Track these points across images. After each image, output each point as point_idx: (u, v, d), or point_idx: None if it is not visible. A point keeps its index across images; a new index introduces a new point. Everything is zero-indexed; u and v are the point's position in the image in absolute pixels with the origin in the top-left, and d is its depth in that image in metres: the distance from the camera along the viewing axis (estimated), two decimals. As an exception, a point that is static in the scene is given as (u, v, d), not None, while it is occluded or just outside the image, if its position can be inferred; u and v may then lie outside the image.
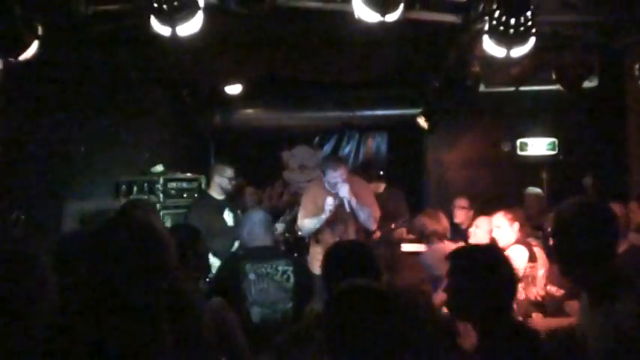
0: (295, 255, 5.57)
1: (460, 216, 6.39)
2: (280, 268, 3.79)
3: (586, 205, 2.36)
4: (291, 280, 3.79)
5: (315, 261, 5.25)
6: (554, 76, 5.74)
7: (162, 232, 1.91)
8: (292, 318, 3.72)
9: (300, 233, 5.72)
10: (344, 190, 5.17)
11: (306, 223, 5.51)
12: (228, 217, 5.76)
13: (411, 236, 7.14)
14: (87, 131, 6.07)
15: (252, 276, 3.74)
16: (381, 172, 7.00)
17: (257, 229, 3.98)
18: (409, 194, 6.34)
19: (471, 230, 5.34)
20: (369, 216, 5.56)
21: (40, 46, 3.99)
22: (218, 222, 5.66)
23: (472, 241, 5.25)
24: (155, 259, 1.82)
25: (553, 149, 7.81)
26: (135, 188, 6.58)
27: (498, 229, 4.78)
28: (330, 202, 5.22)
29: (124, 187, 6.59)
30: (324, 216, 5.27)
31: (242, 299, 3.70)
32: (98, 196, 6.36)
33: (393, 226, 6.21)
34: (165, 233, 1.93)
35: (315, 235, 5.50)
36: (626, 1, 4.93)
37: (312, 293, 3.89)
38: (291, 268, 3.81)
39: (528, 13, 3.77)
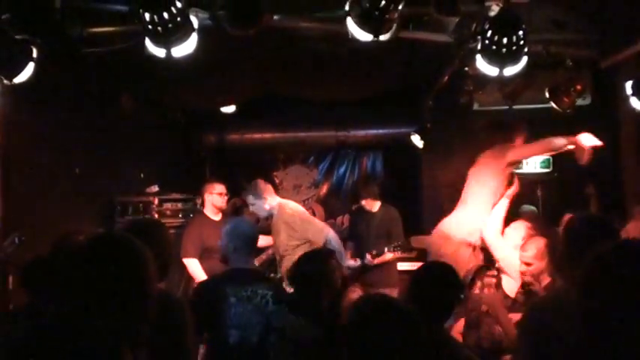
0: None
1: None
2: (260, 292, 3.76)
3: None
4: (270, 304, 3.75)
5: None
6: (547, 94, 5.77)
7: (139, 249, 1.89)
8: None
9: None
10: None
11: None
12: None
13: (408, 254, 7.16)
14: (81, 152, 6.06)
15: (232, 299, 3.73)
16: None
17: (241, 247, 3.99)
18: (404, 213, 6.33)
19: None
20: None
21: (36, 69, 4.01)
22: (215, 242, 5.65)
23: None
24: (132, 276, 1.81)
25: (547, 167, 7.84)
26: (130, 209, 6.58)
27: None
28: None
29: (119, 207, 6.59)
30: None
31: (221, 322, 3.69)
32: (94, 216, 6.36)
33: (385, 249, 6.21)
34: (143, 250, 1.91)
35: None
36: (617, 19, 4.98)
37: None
38: (270, 293, 3.78)
39: (520, 32, 3.80)
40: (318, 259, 3.83)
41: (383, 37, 3.70)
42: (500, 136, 6.01)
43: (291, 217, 5.80)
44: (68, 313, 1.71)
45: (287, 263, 5.43)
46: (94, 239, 1.96)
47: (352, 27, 3.72)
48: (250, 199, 5.90)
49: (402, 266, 6.97)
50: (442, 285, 3.05)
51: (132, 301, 1.78)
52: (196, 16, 3.81)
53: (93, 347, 1.26)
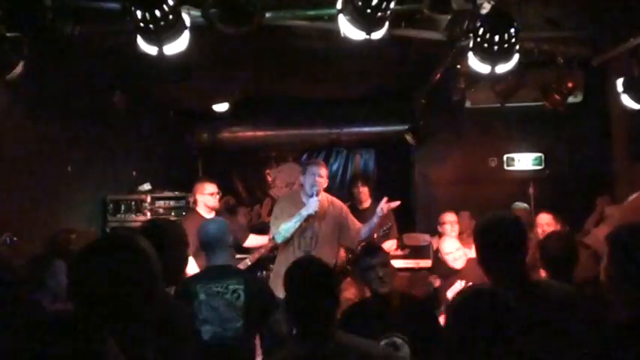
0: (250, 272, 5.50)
1: (452, 230, 6.40)
2: (231, 287, 3.78)
3: None
4: (242, 298, 3.77)
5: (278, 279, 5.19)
6: (539, 92, 5.80)
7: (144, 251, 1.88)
8: (242, 336, 3.75)
9: (276, 241, 5.64)
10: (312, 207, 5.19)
11: (282, 227, 5.39)
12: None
13: (400, 252, 7.17)
14: (74, 150, 6.05)
15: (202, 296, 3.76)
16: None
17: (209, 246, 4.01)
18: (397, 210, 6.33)
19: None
20: (358, 232, 5.58)
21: (26, 66, 4.00)
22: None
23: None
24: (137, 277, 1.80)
25: (539, 164, 7.88)
26: (122, 207, 6.57)
27: None
28: (313, 202, 5.19)
29: (111, 205, 6.58)
30: (304, 212, 5.21)
31: (193, 319, 3.71)
32: (86, 214, 6.35)
33: (375, 236, 6.18)
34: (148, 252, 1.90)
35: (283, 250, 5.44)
36: (609, 17, 5.00)
37: (266, 312, 3.87)
38: (242, 287, 3.79)
39: (512, 30, 3.81)
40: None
41: (375, 36, 3.71)
42: None
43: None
44: (67, 312, 1.71)
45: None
46: (99, 238, 1.95)
47: (344, 25, 3.72)
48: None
49: (396, 264, 6.98)
50: None
51: (133, 301, 1.77)
52: (188, 14, 3.81)
53: (88, 346, 1.25)
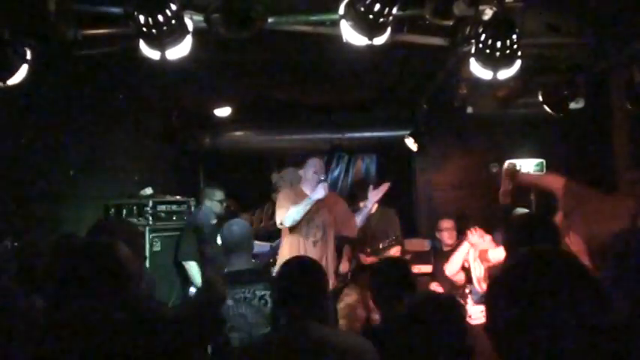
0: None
1: (450, 237, 6.41)
2: (258, 293, 3.73)
3: None
4: (269, 304, 3.72)
5: None
6: (540, 98, 5.79)
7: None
8: None
9: (285, 225, 5.66)
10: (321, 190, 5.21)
11: (292, 210, 5.39)
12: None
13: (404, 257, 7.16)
14: (75, 154, 6.05)
15: (229, 302, 3.71)
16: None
17: (235, 248, 3.99)
18: (399, 215, 6.34)
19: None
20: (355, 225, 5.63)
21: (29, 71, 4.01)
22: (209, 247, 5.66)
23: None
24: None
25: (541, 170, 7.88)
26: (124, 211, 6.56)
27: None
28: (322, 185, 5.22)
29: (112, 210, 6.57)
30: (314, 196, 5.25)
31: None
32: (87, 219, 6.34)
33: (380, 245, 6.18)
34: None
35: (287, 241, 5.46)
36: (610, 23, 5.00)
37: None
38: (268, 292, 3.74)
39: (514, 36, 3.82)
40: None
41: (377, 41, 3.71)
42: None
43: None
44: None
45: None
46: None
47: (346, 31, 3.72)
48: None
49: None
50: None
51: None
52: (191, 19, 3.82)
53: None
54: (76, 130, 6.04)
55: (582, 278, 1.43)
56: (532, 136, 7.86)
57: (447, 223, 6.53)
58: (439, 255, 6.52)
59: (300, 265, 2.91)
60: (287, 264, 2.95)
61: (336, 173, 9.14)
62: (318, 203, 5.38)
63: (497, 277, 1.54)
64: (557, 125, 6.94)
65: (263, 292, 3.75)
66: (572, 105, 6.00)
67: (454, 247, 6.10)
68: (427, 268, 6.96)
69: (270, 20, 4.12)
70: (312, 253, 5.22)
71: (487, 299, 1.54)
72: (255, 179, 9.07)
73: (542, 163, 7.90)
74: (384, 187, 5.90)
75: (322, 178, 5.37)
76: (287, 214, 5.35)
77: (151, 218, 6.51)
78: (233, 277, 3.90)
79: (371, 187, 5.91)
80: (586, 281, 1.42)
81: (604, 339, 1.35)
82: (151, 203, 6.60)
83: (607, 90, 6.36)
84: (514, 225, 3.47)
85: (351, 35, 3.72)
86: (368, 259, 6.22)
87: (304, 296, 2.64)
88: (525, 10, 4.25)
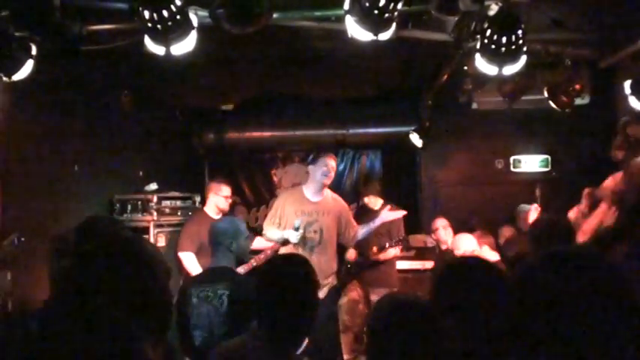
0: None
1: (447, 234, 6.39)
2: (219, 292, 3.70)
3: None
4: (225, 304, 3.68)
5: None
6: (545, 94, 5.78)
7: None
8: None
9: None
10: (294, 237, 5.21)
11: (269, 233, 5.47)
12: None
13: (406, 253, 7.17)
14: (80, 149, 6.07)
15: (194, 300, 3.70)
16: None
17: (209, 245, 4.01)
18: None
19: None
20: (355, 234, 5.63)
21: (35, 66, 4.02)
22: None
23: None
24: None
25: (546, 166, 7.87)
26: (129, 206, 6.58)
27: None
28: (297, 224, 5.21)
29: (117, 205, 6.59)
30: (286, 235, 5.28)
31: (186, 323, 3.67)
32: (92, 214, 6.35)
33: (387, 244, 6.20)
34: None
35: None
36: (616, 19, 4.99)
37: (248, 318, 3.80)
38: (227, 292, 3.70)
39: (519, 32, 3.81)
40: None
41: (382, 37, 3.70)
42: None
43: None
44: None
45: None
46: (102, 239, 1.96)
47: (351, 26, 3.72)
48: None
49: (401, 265, 6.99)
50: None
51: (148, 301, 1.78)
52: (196, 14, 3.82)
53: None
54: (80, 125, 6.05)
55: None
56: (537, 132, 7.84)
57: (440, 222, 6.52)
58: (441, 253, 6.51)
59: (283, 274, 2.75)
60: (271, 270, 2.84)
61: (340, 169, 9.12)
62: (319, 208, 5.40)
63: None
64: (562, 121, 6.91)
65: (223, 292, 3.72)
66: (578, 101, 5.98)
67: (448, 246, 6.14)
68: (430, 264, 6.96)
69: (275, 15, 4.12)
70: (310, 257, 5.24)
71: None
72: (260, 175, 9.09)
73: (547, 159, 7.88)
74: (399, 214, 5.93)
75: (324, 183, 5.38)
76: (267, 231, 5.51)
77: (155, 213, 6.53)
78: (200, 276, 3.91)
79: (388, 207, 5.90)
80: None
81: None
82: (155, 199, 6.62)
83: (612, 86, 6.34)
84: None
85: (356, 31, 3.71)
86: (376, 256, 6.25)
87: (280, 307, 2.57)
88: (530, 6, 4.24)
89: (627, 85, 4.99)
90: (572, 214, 4.83)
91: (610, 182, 4.44)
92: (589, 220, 4.35)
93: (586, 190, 4.78)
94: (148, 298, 1.76)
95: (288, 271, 2.66)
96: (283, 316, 2.53)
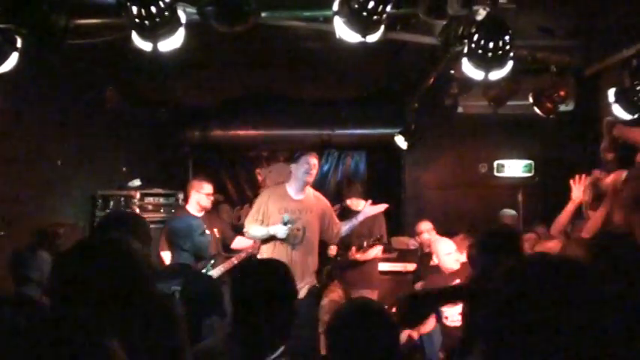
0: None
1: (430, 238, 6.40)
2: (172, 288, 3.69)
3: None
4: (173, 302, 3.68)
5: None
6: (530, 99, 5.82)
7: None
8: None
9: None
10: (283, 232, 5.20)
11: (253, 230, 5.47)
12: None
13: (388, 255, 7.18)
14: (64, 144, 6.02)
15: None
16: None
17: (169, 243, 3.98)
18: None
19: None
20: (338, 231, 5.63)
21: (20, 59, 3.98)
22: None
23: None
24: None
25: (529, 171, 7.91)
26: (111, 202, 6.54)
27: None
28: (287, 218, 5.21)
29: (100, 201, 6.55)
30: (272, 231, 5.25)
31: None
32: (75, 209, 6.32)
33: (365, 243, 6.19)
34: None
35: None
36: (602, 28, 5.03)
37: (202, 316, 3.74)
38: (178, 289, 3.70)
39: (506, 37, 3.82)
40: None
41: (370, 39, 3.71)
42: None
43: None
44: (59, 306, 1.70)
45: None
46: (89, 237, 1.95)
47: (340, 27, 3.72)
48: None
49: (383, 267, 7.00)
50: None
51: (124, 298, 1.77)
52: (184, 11, 3.80)
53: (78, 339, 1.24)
54: (65, 119, 6.01)
55: None
56: (521, 137, 7.89)
57: (424, 225, 6.53)
58: (423, 256, 6.52)
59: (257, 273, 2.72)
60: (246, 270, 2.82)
61: (325, 169, 9.12)
62: (301, 206, 5.40)
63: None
64: (546, 127, 6.96)
65: (175, 288, 3.71)
66: (563, 107, 6.02)
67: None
68: (412, 267, 6.98)
69: (263, 15, 4.11)
70: (292, 255, 5.27)
71: None
72: (245, 174, 9.07)
73: (530, 164, 7.93)
74: (381, 207, 5.92)
75: (306, 180, 5.37)
76: (249, 229, 5.46)
77: (138, 210, 6.50)
78: (162, 272, 3.92)
79: (369, 202, 5.90)
80: None
81: None
82: (138, 195, 6.58)
83: (597, 94, 6.39)
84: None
85: (345, 32, 3.71)
86: (356, 255, 6.24)
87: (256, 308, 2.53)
88: (518, 12, 4.26)
89: (611, 93, 5.02)
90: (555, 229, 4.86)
91: (613, 178, 4.46)
92: (592, 219, 4.38)
93: (589, 179, 4.79)
94: (120, 294, 1.75)
95: (265, 275, 2.63)
96: (259, 320, 2.49)
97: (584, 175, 4.92)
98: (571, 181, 4.93)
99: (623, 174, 4.23)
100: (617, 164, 4.67)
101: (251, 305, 2.50)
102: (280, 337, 2.52)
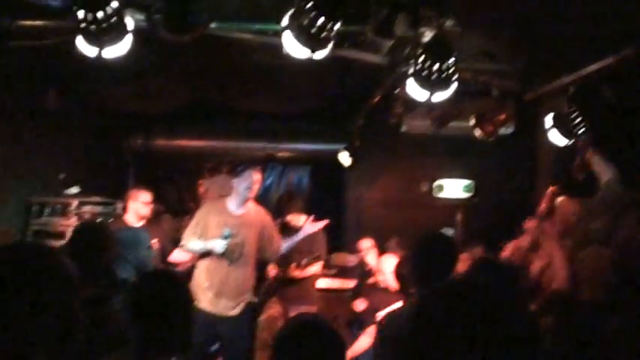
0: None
1: (372, 258, 6.43)
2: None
3: None
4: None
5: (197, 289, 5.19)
6: (472, 122, 5.94)
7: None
8: None
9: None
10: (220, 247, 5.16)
11: (190, 244, 5.41)
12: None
13: (328, 272, 7.19)
14: None
15: None
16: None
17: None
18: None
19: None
20: (278, 248, 5.61)
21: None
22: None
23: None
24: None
25: (469, 191, 8.05)
26: (46, 210, 6.37)
27: None
28: (227, 233, 5.17)
29: (35, 207, 6.37)
30: (210, 245, 5.20)
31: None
32: (8, 216, 6.13)
33: (304, 261, 6.18)
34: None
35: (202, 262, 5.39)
36: (542, 55, 5.18)
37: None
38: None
39: (451, 60, 3.91)
40: None
41: (318, 55, 3.74)
42: None
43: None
44: None
45: None
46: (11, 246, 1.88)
47: (289, 42, 3.74)
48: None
49: (321, 283, 6.99)
50: None
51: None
52: (132, 18, 3.76)
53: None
54: (0, 122, 5.84)
55: None
56: (462, 158, 8.03)
57: (365, 243, 6.57)
58: (364, 273, 6.54)
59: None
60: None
61: (268, 182, 9.11)
62: (241, 221, 5.36)
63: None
64: (487, 149, 7.11)
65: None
66: (503, 130, 6.17)
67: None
68: (351, 284, 6.99)
69: (212, 26, 4.10)
70: (229, 271, 5.23)
71: None
72: (187, 184, 8.97)
73: (470, 184, 8.08)
74: (321, 224, 5.95)
75: (247, 196, 5.34)
76: (187, 243, 5.40)
77: (75, 218, 6.34)
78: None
79: (310, 218, 5.92)
80: None
81: None
82: (76, 203, 6.43)
83: (536, 118, 6.56)
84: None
85: (293, 47, 3.73)
86: (295, 272, 6.22)
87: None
88: (462, 35, 4.36)
89: (549, 118, 5.18)
90: (509, 250, 4.95)
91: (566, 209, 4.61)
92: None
93: (550, 189, 4.92)
94: (44, 308, 1.71)
95: (158, 287, 2.60)
96: (151, 331, 2.45)
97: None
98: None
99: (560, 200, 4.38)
100: (581, 187, 4.82)
101: (145, 317, 2.47)
102: (173, 349, 2.47)
